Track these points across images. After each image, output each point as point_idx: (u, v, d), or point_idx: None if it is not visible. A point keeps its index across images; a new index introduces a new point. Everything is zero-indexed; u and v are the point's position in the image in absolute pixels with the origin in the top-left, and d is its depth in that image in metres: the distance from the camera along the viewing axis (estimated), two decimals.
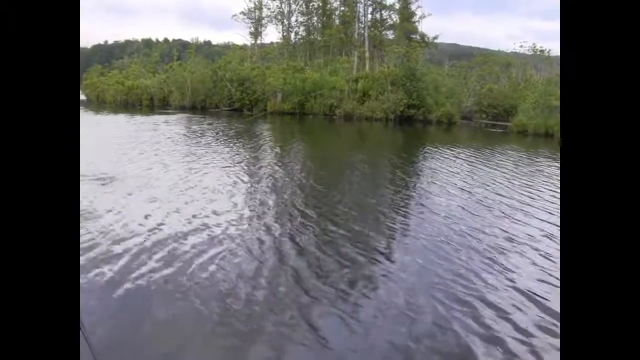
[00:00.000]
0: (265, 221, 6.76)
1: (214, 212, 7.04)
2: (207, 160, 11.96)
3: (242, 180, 9.61)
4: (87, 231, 5.85)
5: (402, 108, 28.65)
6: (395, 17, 40.92)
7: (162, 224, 6.40)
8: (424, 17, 40.02)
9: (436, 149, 16.35)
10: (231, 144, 15.86)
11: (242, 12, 45.16)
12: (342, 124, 27.68)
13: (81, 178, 8.52)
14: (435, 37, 40.93)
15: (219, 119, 27.54)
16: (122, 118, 26.74)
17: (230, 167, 11.11)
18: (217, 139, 17.13)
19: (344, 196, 8.56)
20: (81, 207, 6.69)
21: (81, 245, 5.31)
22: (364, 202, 8.29)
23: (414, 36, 39.06)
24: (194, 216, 6.79)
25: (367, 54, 34.87)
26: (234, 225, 6.50)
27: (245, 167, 11.16)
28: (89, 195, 7.52)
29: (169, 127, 21.46)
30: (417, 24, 40.15)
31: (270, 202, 7.92)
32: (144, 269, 4.87)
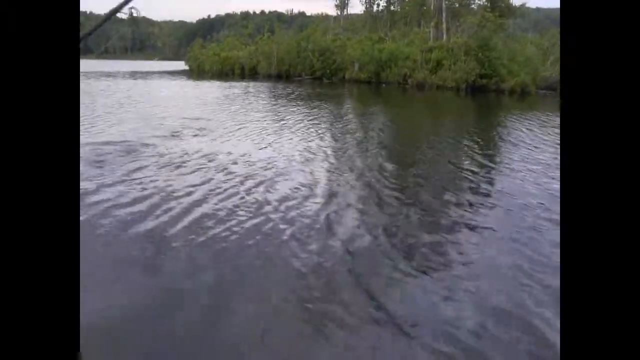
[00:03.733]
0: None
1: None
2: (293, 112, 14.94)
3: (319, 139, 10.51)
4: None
5: (473, 77, 29.04)
6: None
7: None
8: None
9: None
10: (314, 104, 18.28)
11: None
12: (414, 92, 28.90)
13: (189, 120, 12.21)
14: (522, 5, 39.57)
15: (301, 85, 30.57)
16: (216, 84, 30.81)
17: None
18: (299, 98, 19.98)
19: None
20: (196, 130, 10.58)
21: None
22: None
23: (501, 4, 38.08)
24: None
25: (443, 25, 35.14)
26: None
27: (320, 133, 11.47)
28: (199, 125, 11.41)
29: (254, 89, 24.79)
30: None
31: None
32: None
